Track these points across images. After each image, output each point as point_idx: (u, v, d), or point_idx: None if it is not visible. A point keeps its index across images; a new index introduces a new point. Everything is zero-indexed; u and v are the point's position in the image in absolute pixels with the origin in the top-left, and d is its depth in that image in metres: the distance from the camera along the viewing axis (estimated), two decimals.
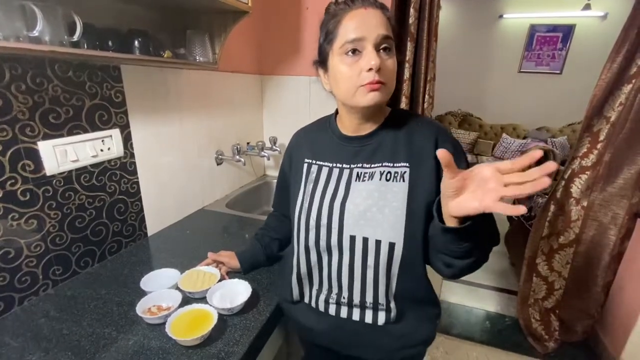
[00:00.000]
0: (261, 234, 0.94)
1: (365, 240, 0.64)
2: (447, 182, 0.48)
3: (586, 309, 1.70)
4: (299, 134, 0.83)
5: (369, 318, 0.69)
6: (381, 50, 0.60)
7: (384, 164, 0.66)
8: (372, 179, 0.65)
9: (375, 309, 0.68)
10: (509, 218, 2.58)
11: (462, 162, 0.64)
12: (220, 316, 0.73)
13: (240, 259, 0.90)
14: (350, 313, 0.70)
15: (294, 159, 0.79)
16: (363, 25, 0.59)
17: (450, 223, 0.52)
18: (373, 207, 0.63)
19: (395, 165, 0.65)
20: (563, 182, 1.64)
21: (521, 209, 0.39)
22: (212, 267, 0.88)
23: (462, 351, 1.79)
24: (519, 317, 1.89)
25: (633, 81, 1.42)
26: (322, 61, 0.67)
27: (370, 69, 0.58)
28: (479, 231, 0.51)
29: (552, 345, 1.76)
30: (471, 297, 2.23)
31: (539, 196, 2.09)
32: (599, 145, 1.54)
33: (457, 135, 4.60)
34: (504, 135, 4.49)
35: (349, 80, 0.61)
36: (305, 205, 0.71)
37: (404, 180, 0.63)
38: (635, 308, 1.51)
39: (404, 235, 0.62)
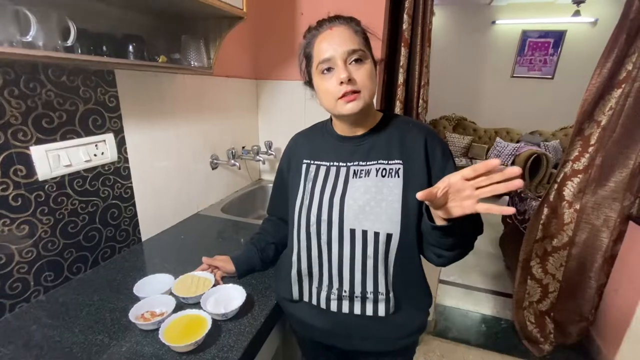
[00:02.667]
0: (257, 239, 0.94)
1: (364, 233, 0.68)
2: (433, 204, 0.56)
3: (580, 311, 1.71)
4: (297, 137, 0.87)
5: (369, 310, 0.71)
6: (353, 62, 0.66)
7: (379, 162, 0.71)
8: (368, 175, 0.70)
9: (376, 299, 0.70)
10: (504, 222, 2.59)
11: (449, 163, 0.71)
12: (215, 321, 0.72)
13: (235, 263, 0.90)
14: (351, 307, 0.72)
15: (292, 161, 0.83)
16: (330, 46, 0.66)
17: (440, 222, 0.59)
18: (371, 202, 0.68)
19: (389, 162, 0.70)
20: (556, 186, 1.66)
21: (510, 210, 0.46)
22: (207, 272, 0.88)
23: (458, 354, 1.79)
24: (515, 320, 1.90)
25: (623, 86, 1.44)
26: (309, 81, 0.75)
27: (342, 82, 0.65)
28: (464, 227, 0.59)
29: (547, 348, 1.76)
30: (467, 300, 2.23)
31: (533, 199, 2.11)
32: (590, 149, 1.56)
33: (451, 139, 4.64)
34: (498, 139, 4.53)
35: (329, 94, 0.68)
36: (306, 202, 0.74)
37: (398, 176, 0.68)
38: (628, 310, 1.52)
39: (400, 226, 0.67)
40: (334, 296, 0.73)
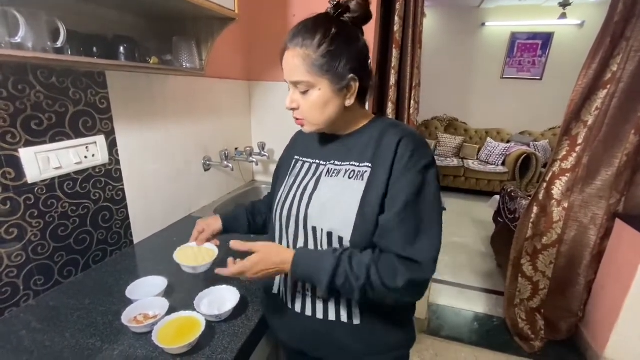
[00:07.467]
0: (252, 204, 0.96)
1: (321, 232, 0.68)
2: None
3: (570, 308, 1.75)
4: (298, 132, 0.88)
5: (332, 314, 0.69)
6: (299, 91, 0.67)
7: (351, 163, 0.70)
8: (338, 176, 0.70)
9: (337, 302, 0.68)
10: (495, 221, 2.63)
11: (411, 173, 0.63)
12: (208, 323, 0.72)
13: (223, 218, 0.90)
14: (314, 309, 0.70)
15: (287, 156, 0.85)
16: (285, 70, 0.67)
17: None
18: (332, 201, 0.67)
19: (360, 165, 0.69)
20: (545, 184, 1.69)
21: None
22: (209, 243, 0.86)
23: (452, 352, 1.81)
24: (506, 317, 1.93)
25: (608, 86, 1.48)
26: None
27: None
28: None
29: (538, 345, 1.79)
30: (459, 298, 2.26)
31: (523, 198, 2.14)
32: (577, 148, 1.59)
33: (443, 140, 4.68)
34: (489, 139, 4.59)
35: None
36: (283, 196, 0.76)
37: (362, 180, 0.67)
38: (616, 305, 1.56)
39: (352, 230, 0.64)
40: (298, 294, 0.72)
